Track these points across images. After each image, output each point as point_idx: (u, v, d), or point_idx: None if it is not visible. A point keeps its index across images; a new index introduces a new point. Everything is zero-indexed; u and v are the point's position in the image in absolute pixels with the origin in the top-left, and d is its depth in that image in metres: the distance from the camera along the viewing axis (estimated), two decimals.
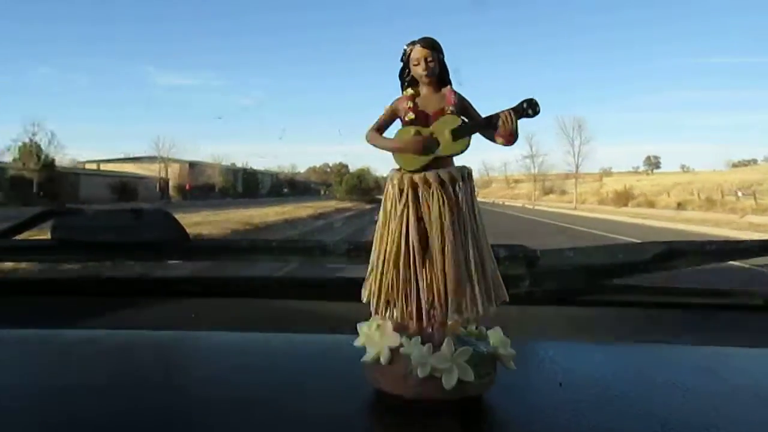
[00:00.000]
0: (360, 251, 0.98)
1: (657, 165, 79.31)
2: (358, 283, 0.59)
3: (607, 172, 69.21)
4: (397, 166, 0.58)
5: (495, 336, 0.58)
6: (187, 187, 45.45)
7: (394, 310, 0.56)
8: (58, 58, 77.71)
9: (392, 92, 0.60)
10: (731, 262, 1.10)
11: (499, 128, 0.57)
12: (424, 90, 0.58)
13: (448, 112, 0.57)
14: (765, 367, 0.75)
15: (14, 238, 1.13)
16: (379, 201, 0.61)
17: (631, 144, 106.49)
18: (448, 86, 0.58)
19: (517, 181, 72.60)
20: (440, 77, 0.58)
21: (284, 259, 1.15)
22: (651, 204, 32.38)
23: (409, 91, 0.58)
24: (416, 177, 0.55)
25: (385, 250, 0.56)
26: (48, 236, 1.05)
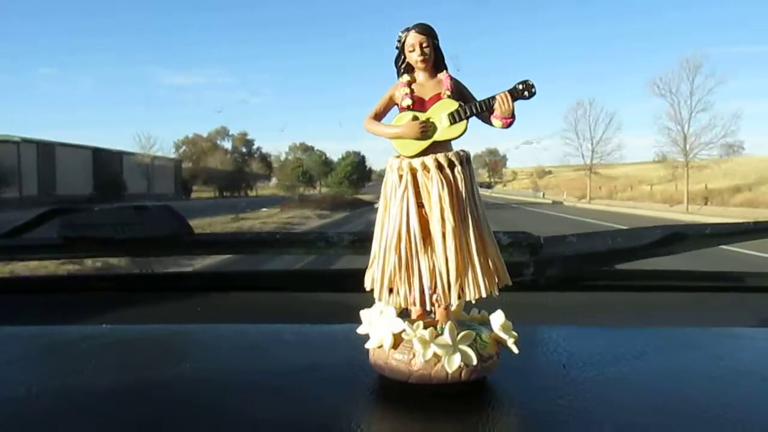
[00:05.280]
0: (364, 242, 0.98)
1: None
2: (364, 273, 0.60)
3: None
4: (396, 153, 0.58)
5: (498, 319, 0.58)
6: None
7: (397, 296, 0.56)
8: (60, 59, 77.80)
9: (391, 82, 0.60)
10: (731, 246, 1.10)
11: (495, 110, 0.57)
12: (420, 76, 0.58)
13: (445, 96, 0.57)
14: None
15: (21, 236, 1.14)
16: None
17: None
18: (444, 71, 0.58)
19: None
20: (436, 63, 0.58)
21: (288, 252, 1.16)
22: None
23: (406, 77, 0.58)
24: (415, 162, 0.55)
25: (386, 237, 0.56)
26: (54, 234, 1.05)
